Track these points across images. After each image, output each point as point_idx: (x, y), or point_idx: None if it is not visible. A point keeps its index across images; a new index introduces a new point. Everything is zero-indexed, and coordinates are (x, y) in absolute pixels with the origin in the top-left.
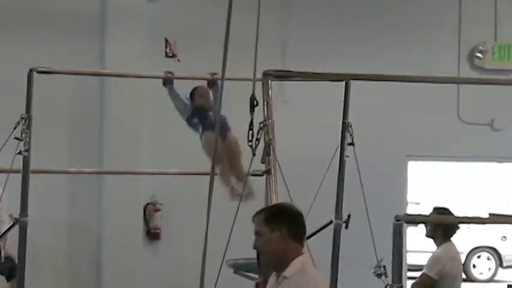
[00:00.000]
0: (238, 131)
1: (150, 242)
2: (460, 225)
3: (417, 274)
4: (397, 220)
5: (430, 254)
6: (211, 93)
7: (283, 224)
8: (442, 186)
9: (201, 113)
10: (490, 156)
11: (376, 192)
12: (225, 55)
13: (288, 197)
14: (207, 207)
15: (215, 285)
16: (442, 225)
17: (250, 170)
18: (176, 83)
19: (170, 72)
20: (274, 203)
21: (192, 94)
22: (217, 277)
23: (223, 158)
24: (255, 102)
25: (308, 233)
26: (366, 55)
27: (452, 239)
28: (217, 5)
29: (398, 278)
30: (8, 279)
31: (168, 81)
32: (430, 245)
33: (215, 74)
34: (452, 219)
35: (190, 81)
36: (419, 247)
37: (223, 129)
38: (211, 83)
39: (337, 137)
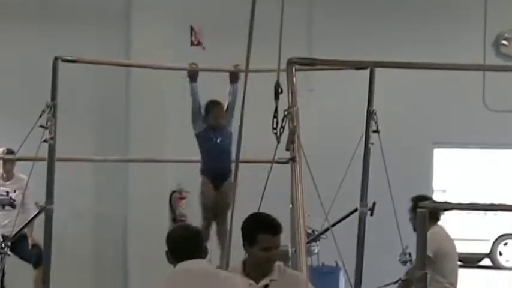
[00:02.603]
0: (262, 119)
1: None
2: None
3: None
4: (421, 208)
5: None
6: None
7: None
8: (468, 174)
9: (213, 132)
10: None
11: (402, 179)
12: (249, 47)
13: (313, 184)
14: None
15: None
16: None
17: (275, 157)
18: (201, 74)
19: (194, 64)
20: (299, 190)
21: (207, 110)
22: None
23: (210, 206)
24: (280, 90)
25: (333, 221)
26: (391, 44)
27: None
28: None
29: (422, 265)
30: (35, 266)
31: (192, 79)
32: (457, 232)
33: (238, 65)
34: (478, 205)
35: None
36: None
37: (222, 177)
38: (234, 77)
39: (362, 125)
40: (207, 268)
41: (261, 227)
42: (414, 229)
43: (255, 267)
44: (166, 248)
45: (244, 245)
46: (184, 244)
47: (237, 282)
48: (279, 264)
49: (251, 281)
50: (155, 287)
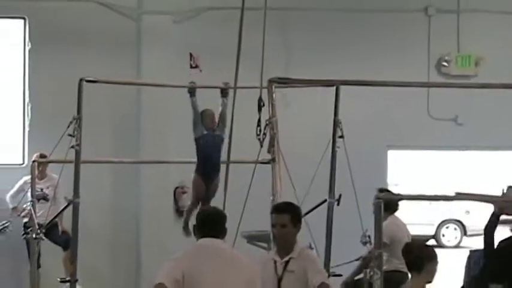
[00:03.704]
0: (248, 127)
1: (179, 218)
2: (413, 203)
3: None
4: (377, 198)
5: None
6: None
7: (298, 223)
8: (417, 171)
9: (209, 135)
10: (454, 145)
11: (362, 176)
12: (237, 69)
13: (290, 180)
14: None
15: None
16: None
17: (259, 158)
18: (199, 90)
19: (193, 82)
20: (279, 185)
21: (202, 117)
22: (233, 245)
23: (200, 197)
24: (262, 104)
25: (306, 210)
26: (354, 64)
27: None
28: (230, 25)
29: (379, 245)
30: (64, 249)
31: (191, 94)
32: (408, 218)
33: (227, 83)
34: (425, 196)
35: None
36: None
37: (212, 174)
38: (225, 92)
39: (330, 132)
40: (221, 246)
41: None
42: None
43: (277, 245)
44: (195, 223)
45: None
46: (207, 222)
47: (243, 259)
48: (301, 246)
49: (277, 258)
50: (177, 256)
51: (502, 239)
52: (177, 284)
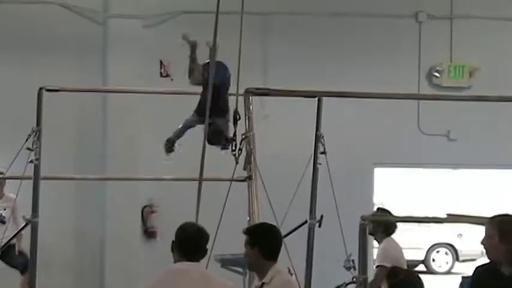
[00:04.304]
0: None
1: (147, 240)
2: (399, 224)
3: None
4: (362, 220)
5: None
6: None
7: (256, 244)
8: (406, 190)
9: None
10: (446, 163)
11: (346, 195)
12: (211, 76)
13: (268, 200)
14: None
15: None
16: (382, 223)
17: (234, 176)
18: (169, 99)
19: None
20: (255, 204)
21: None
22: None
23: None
24: (238, 117)
25: (285, 232)
26: (338, 74)
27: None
28: (204, 30)
29: (364, 270)
30: (22, 272)
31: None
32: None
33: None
34: (414, 218)
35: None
36: None
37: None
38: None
39: (311, 147)
40: (199, 271)
41: None
42: (369, 233)
43: None
44: (174, 239)
45: None
46: (188, 242)
47: (225, 285)
48: (276, 269)
49: (257, 283)
50: (155, 279)
51: (479, 264)
52: None
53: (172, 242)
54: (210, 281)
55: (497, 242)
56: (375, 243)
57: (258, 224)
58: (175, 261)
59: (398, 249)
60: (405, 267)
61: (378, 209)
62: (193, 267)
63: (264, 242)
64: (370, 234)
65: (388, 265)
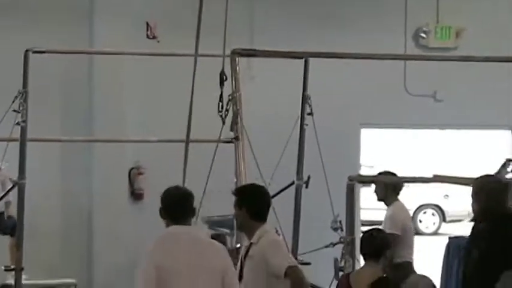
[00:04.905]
0: (210, 103)
1: (134, 201)
2: (406, 185)
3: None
4: (350, 180)
5: (382, 211)
6: None
7: (244, 205)
8: (393, 151)
9: None
10: (433, 124)
11: (333, 156)
12: (197, 36)
13: (255, 161)
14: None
15: None
16: (391, 185)
17: (221, 137)
18: (155, 61)
19: None
20: (242, 166)
21: None
22: None
23: None
24: (225, 77)
25: (272, 193)
26: (325, 37)
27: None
28: None
29: (351, 231)
30: (11, 235)
31: None
32: (380, 203)
33: None
34: (399, 178)
35: (169, 59)
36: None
37: None
38: None
39: (298, 108)
40: (194, 234)
41: None
42: (378, 199)
43: None
44: (161, 206)
45: None
46: (176, 206)
47: (219, 248)
48: (263, 229)
49: (246, 243)
50: (149, 247)
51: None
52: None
53: (160, 208)
54: (199, 243)
55: (472, 202)
56: (362, 204)
57: (246, 184)
58: (166, 226)
59: (405, 212)
60: (412, 229)
61: (380, 173)
62: (183, 230)
63: (251, 202)
64: (381, 200)
65: (398, 232)
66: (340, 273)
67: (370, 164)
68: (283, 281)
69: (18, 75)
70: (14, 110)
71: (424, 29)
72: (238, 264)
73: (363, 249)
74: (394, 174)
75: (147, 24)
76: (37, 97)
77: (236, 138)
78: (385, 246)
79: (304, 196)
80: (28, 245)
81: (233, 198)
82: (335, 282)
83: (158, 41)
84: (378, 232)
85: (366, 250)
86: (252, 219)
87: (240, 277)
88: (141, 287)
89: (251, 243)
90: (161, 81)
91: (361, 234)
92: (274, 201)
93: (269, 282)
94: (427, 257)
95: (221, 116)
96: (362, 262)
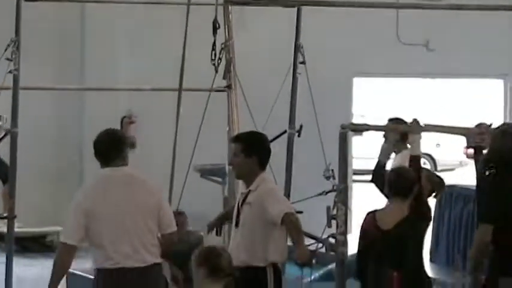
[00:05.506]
0: (203, 52)
1: None
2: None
3: (362, 178)
4: (342, 128)
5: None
6: None
7: (255, 153)
8: (385, 101)
9: None
10: (425, 73)
11: (325, 105)
12: None
13: (248, 109)
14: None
15: (183, 187)
16: (400, 134)
17: (214, 86)
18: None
19: None
20: (235, 114)
21: None
22: (185, 180)
23: None
24: (217, 25)
25: None
26: None
27: None
28: None
29: (344, 179)
30: (4, 182)
31: None
32: (374, 152)
33: None
34: (392, 127)
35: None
36: (363, 154)
37: None
38: None
39: (291, 57)
40: (127, 173)
41: None
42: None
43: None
44: (94, 151)
45: None
46: (107, 149)
47: (152, 185)
48: (262, 177)
49: (244, 190)
50: (83, 190)
51: None
52: (84, 230)
53: (94, 153)
54: (132, 182)
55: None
56: (354, 153)
57: (251, 132)
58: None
59: None
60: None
61: (391, 119)
62: (115, 172)
63: (262, 150)
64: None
65: None
66: (333, 222)
67: (361, 113)
68: (280, 227)
69: (11, 24)
70: (7, 59)
71: None
72: (235, 210)
73: (391, 188)
74: (404, 122)
75: None
76: (30, 45)
77: (229, 86)
78: (414, 183)
79: (297, 145)
80: (20, 191)
81: (225, 147)
82: (328, 230)
83: None
84: (405, 170)
85: (395, 189)
86: (259, 167)
87: (237, 223)
88: (66, 234)
89: (249, 191)
90: (154, 30)
91: (387, 174)
92: None
93: (266, 228)
94: None
95: (214, 64)
96: (354, 211)
